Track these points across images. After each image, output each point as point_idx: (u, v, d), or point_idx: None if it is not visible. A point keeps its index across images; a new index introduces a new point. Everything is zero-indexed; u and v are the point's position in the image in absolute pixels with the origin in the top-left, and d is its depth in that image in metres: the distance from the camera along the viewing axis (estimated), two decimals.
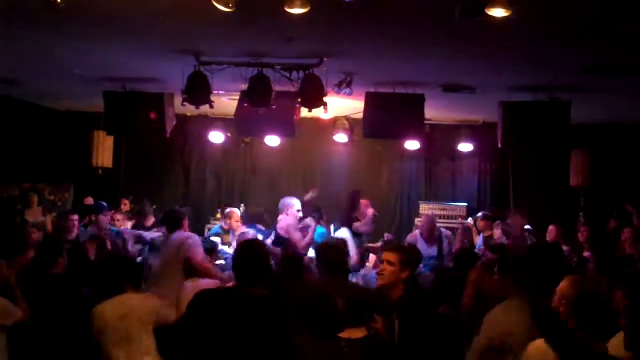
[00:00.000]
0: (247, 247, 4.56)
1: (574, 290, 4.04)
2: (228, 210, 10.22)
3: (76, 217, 8.78)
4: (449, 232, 10.02)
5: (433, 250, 9.49)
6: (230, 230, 9.83)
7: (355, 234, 9.25)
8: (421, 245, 9.24)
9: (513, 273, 4.76)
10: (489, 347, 4.47)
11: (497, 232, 9.79)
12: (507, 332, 4.40)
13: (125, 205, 11.14)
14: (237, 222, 9.83)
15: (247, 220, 10.15)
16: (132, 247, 8.97)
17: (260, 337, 4.02)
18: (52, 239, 7.99)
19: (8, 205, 11.02)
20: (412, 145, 10.87)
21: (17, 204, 11.05)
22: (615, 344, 3.85)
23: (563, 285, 4.11)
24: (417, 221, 11.57)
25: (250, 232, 8.74)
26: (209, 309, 4.18)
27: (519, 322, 4.36)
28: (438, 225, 10.28)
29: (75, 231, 8.62)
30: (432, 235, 9.64)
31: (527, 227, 9.77)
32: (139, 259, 8.59)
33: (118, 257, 6.70)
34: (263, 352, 3.99)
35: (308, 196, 9.94)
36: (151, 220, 10.67)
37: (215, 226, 10.38)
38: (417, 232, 10.00)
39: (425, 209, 11.67)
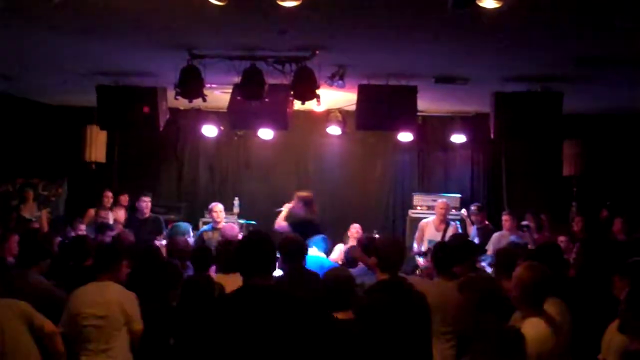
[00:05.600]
0: None
1: (529, 275, 4.14)
2: (211, 205, 10.21)
3: None
4: (456, 224, 10.22)
5: (439, 235, 9.78)
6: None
7: None
8: (430, 229, 9.94)
9: None
10: None
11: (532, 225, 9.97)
12: None
13: (108, 198, 11.07)
14: (217, 212, 9.84)
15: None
16: None
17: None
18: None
19: (3, 200, 11.02)
20: (405, 136, 10.86)
21: (12, 200, 11.06)
22: (613, 329, 3.95)
23: (519, 270, 4.22)
24: (411, 213, 11.65)
25: (234, 225, 8.58)
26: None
27: None
28: (425, 216, 10.81)
29: None
30: (442, 220, 10.18)
31: (524, 222, 9.87)
32: None
33: None
34: None
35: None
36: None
37: (207, 225, 10.32)
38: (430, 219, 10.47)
39: (419, 200, 11.70)
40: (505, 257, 5.62)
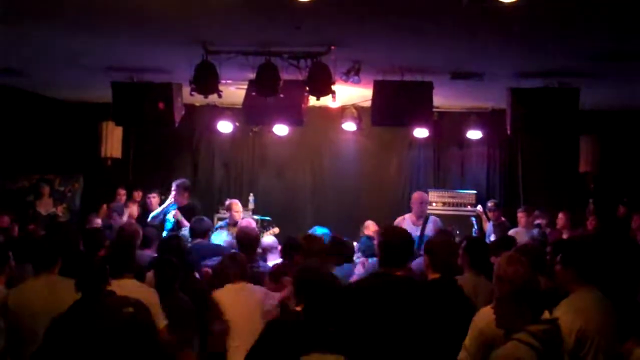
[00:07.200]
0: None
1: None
2: (228, 202, 10.15)
3: None
4: (437, 218, 9.89)
5: (417, 230, 9.38)
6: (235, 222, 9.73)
7: None
8: (407, 224, 9.33)
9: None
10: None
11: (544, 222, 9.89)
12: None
13: (120, 196, 11.11)
14: (238, 212, 9.73)
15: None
16: None
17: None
18: None
19: (19, 196, 11.08)
20: (421, 132, 10.83)
21: (27, 196, 11.12)
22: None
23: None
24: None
25: (245, 220, 8.60)
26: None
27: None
28: (441, 212, 10.66)
29: None
30: (421, 214, 9.64)
31: (536, 222, 9.79)
32: None
33: None
34: None
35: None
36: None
37: (223, 222, 10.26)
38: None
39: (434, 196, 11.63)
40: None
